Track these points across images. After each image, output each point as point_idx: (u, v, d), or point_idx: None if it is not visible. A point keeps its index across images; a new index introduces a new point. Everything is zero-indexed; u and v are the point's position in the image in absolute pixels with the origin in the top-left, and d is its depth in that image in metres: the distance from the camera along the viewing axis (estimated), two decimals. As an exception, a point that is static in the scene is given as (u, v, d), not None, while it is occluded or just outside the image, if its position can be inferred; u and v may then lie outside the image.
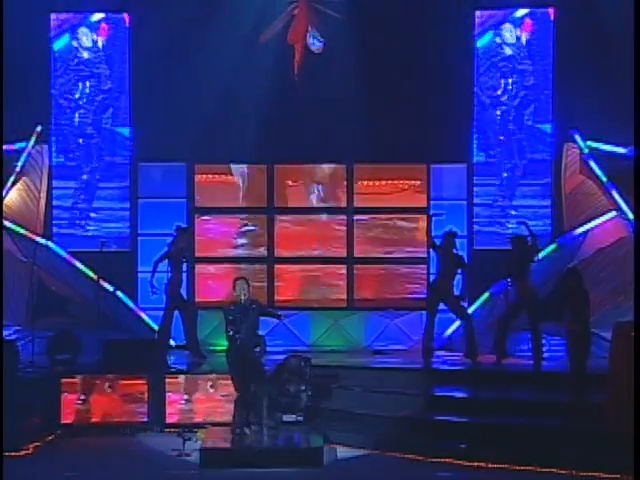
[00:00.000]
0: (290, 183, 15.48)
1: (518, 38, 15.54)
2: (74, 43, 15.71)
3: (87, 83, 15.73)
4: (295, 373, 12.28)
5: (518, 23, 15.55)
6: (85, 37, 15.71)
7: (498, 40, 15.57)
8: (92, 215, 15.65)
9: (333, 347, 15.11)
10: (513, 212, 15.41)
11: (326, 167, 15.45)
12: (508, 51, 15.57)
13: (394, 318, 15.36)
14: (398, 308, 15.26)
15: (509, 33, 15.56)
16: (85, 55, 15.73)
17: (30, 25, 15.19)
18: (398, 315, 15.33)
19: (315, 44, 15.30)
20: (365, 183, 15.38)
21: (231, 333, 11.39)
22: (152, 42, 15.23)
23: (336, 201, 15.45)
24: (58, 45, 15.67)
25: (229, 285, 12.08)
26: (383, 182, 15.35)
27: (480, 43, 15.56)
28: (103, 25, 15.72)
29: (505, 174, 15.54)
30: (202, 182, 15.42)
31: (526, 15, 15.54)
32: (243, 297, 11.42)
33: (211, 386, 12.57)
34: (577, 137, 15.07)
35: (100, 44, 15.72)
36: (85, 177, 15.69)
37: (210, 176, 15.47)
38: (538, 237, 14.08)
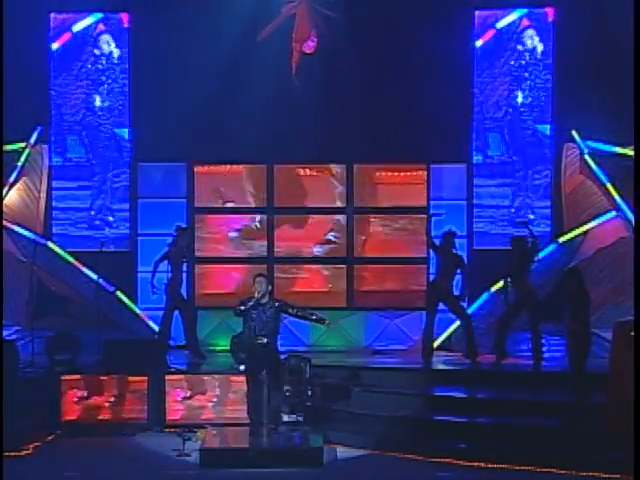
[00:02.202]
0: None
1: (518, 38, 15.54)
2: (74, 43, 15.70)
3: (87, 83, 15.73)
4: (295, 373, 12.27)
5: (518, 23, 15.56)
6: (85, 37, 15.71)
7: (498, 40, 15.57)
8: (92, 215, 15.66)
9: (333, 347, 15.11)
10: (513, 212, 15.42)
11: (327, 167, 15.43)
12: (508, 51, 15.57)
13: (394, 318, 15.35)
14: (398, 308, 15.24)
15: (509, 33, 15.55)
16: (85, 55, 15.73)
17: (30, 25, 15.20)
18: (398, 315, 15.32)
19: (308, 44, 15.30)
20: (365, 183, 15.34)
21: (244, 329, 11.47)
22: (152, 42, 15.24)
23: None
24: (58, 45, 15.67)
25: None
26: (383, 182, 15.31)
27: (480, 43, 15.56)
28: (103, 25, 15.73)
29: (505, 174, 15.54)
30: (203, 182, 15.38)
31: (526, 15, 15.54)
32: (257, 294, 11.34)
33: (211, 386, 12.56)
34: (577, 137, 15.07)
35: (100, 44, 15.72)
36: (85, 177, 15.68)
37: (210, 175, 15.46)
38: (538, 237, 14.09)
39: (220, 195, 15.28)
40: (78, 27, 15.70)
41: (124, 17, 15.70)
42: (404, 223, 15.16)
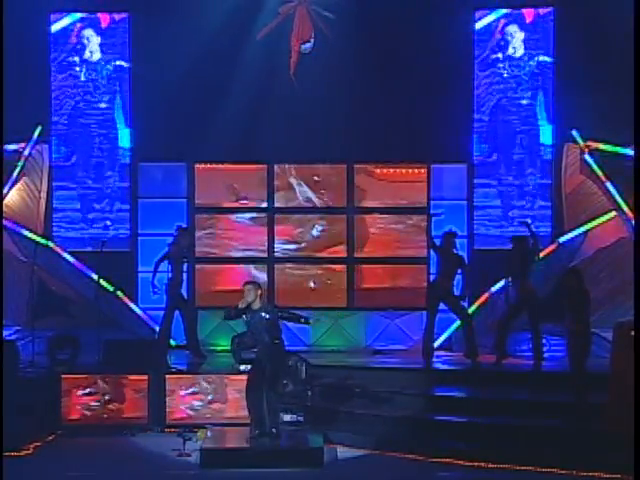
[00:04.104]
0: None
1: (518, 38, 15.55)
2: (74, 43, 15.71)
3: (87, 83, 15.73)
4: (291, 373, 12.27)
5: (518, 23, 15.56)
6: (85, 37, 15.72)
7: (498, 39, 15.58)
8: (92, 215, 15.66)
9: (333, 347, 15.11)
10: (513, 212, 15.42)
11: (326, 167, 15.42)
12: (508, 50, 15.57)
13: (394, 318, 15.35)
14: (398, 308, 15.24)
15: (509, 33, 15.56)
16: (85, 55, 15.73)
17: (30, 25, 15.21)
18: (398, 315, 15.32)
19: (305, 44, 15.30)
20: (365, 182, 15.33)
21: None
22: (152, 42, 15.25)
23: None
24: (58, 44, 15.68)
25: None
26: (382, 182, 15.32)
27: (480, 42, 15.56)
28: (103, 25, 15.73)
29: (505, 174, 15.55)
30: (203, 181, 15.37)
31: (526, 15, 15.54)
32: (241, 305, 11.20)
33: (211, 386, 12.56)
34: (577, 137, 15.08)
35: (100, 44, 15.72)
36: (85, 177, 15.69)
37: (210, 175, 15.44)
38: (539, 237, 14.09)
39: (234, 192, 15.26)
40: (78, 27, 15.71)
41: (125, 17, 15.70)
42: (404, 222, 15.17)
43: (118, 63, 15.71)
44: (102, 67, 15.73)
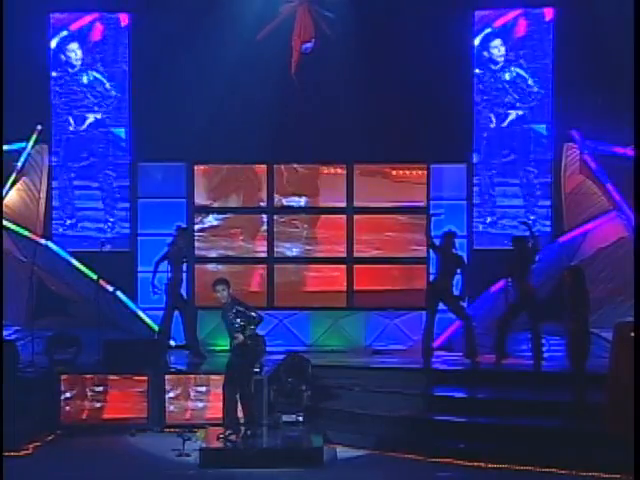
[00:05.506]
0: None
1: (517, 38, 15.55)
2: (74, 43, 15.71)
3: (86, 82, 15.72)
4: (295, 373, 12.28)
5: (517, 23, 15.56)
6: (85, 37, 15.71)
7: (497, 40, 15.58)
8: (92, 215, 15.65)
9: (333, 347, 15.11)
10: (513, 212, 15.42)
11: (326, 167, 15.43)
12: (507, 51, 15.57)
13: (394, 318, 15.35)
14: (398, 308, 15.24)
15: (509, 33, 15.56)
16: (85, 55, 15.72)
17: (30, 25, 15.21)
18: (398, 315, 15.32)
19: (306, 44, 15.30)
20: (365, 183, 15.33)
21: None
22: (152, 42, 15.25)
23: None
24: (58, 45, 15.67)
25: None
26: (382, 182, 15.32)
27: (479, 43, 15.56)
28: (103, 25, 15.72)
29: (505, 174, 15.54)
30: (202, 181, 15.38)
31: (525, 15, 15.55)
32: (223, 300, 11.43)
33: (211, 386, 12.56)
34: (577, 137, 15.08)
35: (100, 44, 15.72)
36: (84, 177, 15.68)
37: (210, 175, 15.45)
38: (538, 237, 14.09)
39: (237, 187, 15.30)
40: (77, 27, 15.70)
41: (123, 17, 15.69)
42: (404, 222, 15.19)
43: (117, 63, 15.70)
44: (102, 67, 15.72)
